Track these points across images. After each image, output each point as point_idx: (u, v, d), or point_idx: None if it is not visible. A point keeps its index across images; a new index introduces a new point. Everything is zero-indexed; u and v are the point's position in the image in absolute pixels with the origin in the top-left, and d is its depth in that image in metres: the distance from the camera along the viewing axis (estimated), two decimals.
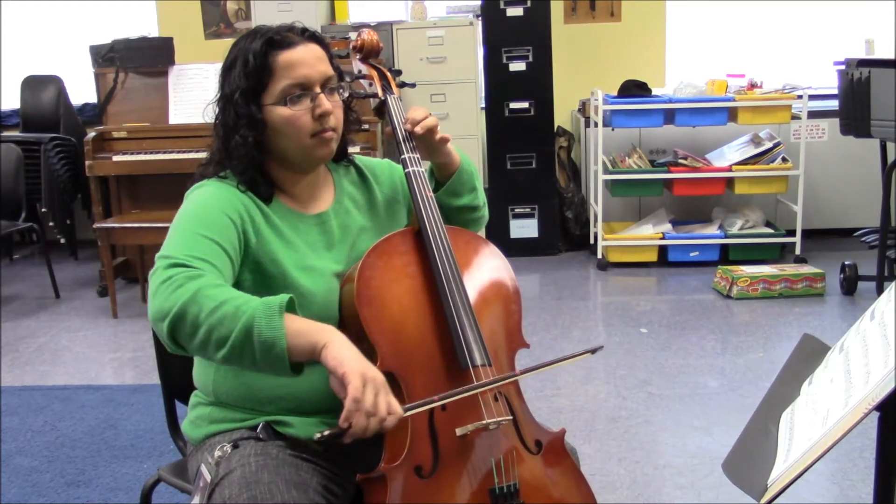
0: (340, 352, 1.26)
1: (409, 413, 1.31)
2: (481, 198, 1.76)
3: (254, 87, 1.50)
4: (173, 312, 1.29)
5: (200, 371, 1.62)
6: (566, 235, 5.55)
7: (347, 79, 1.61)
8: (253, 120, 1.50)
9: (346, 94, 1.59)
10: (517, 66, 5.26)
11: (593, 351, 1.50)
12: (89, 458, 2.95)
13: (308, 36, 1.54)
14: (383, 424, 1.26)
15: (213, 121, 1.58)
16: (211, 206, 1.49)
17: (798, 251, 4.96)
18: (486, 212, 1.79)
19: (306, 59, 1.51)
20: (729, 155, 5.03)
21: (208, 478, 1.46)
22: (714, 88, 4.98)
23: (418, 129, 1.62)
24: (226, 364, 1.32)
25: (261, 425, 1.52)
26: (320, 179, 1.64)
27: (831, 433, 1.07)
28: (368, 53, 1.77)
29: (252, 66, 1.49)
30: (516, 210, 5.37)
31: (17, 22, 6.12)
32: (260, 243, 1.51)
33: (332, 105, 1.53)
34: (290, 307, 1.30)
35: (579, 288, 4.79)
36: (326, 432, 1.24)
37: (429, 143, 1.65)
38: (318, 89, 1.52)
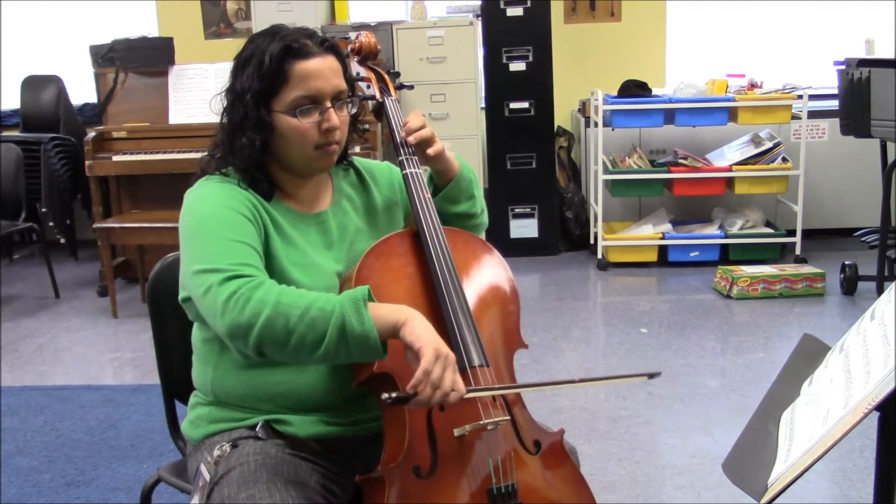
0: (419, 328, 1.32)
1: (469, 395, 1.36)
2: (479, 205, 1.75)
3: (266, 91, 1.50)
4: (258, 327, 1.32)
5: (199, 371, 1.62)
6: (566, 235, 5.55)
7: (359, 94, 1.61)
8: (261, 123, 1.50)
9: (355, 110, 1.59)
10: (517, 66, 5.26)
11: (650, 375, 1.48)
12: (89, 458, 2.95)
13: (326, 47, 1.53)
14: (446, 399, 1.32)
15: (219, 112, 1.57)
16: (226, 207, 1.48)
17: (798, 251, 4.95)
18: (484, 219, 1.78)
19: (321, 72, 1.50)
20: (729, 155, 5.03)
21: (207, 477, 1.46)
22: (714, 88, 4.98)
23: (411, 139, 1.62)
24: (320, 363, 1.40)
25: (259, 424, 1.52)
26: (320, 181, 1.64)
27: (831, 433, 1.07)
28: (366, 56, 1.77)
29: (266, 70, 1.49)
30: (516, 210, 5.37)
31: (17, 22, 6.12)
32: (265, 239, 1.51)
33: (339, 120, 1.53)
34: (370, 297, 1.35)
35: (579, 288, 4.79)
36: (394, 394, 1.31)
37: (423, 150, 1.64)
38: (328, 103, 1.51)
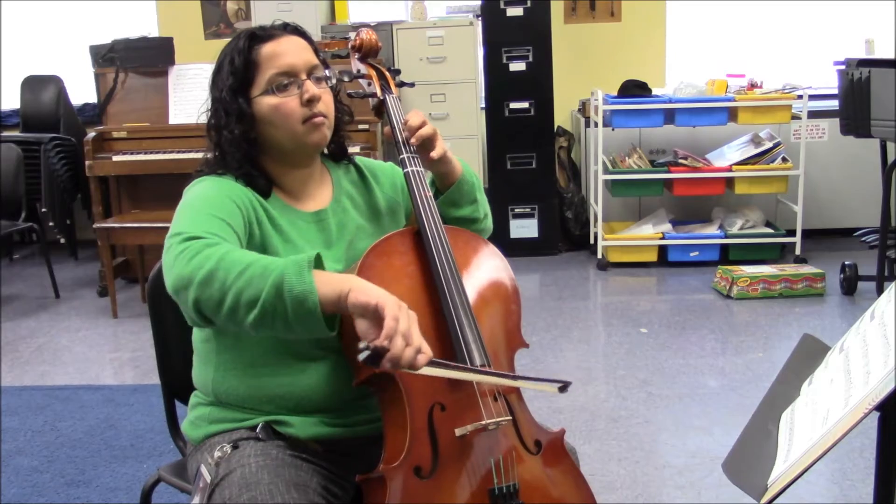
0: (369, 288, 1.26)
1: (432, 366, 1.29)
2: (482, 210, 1.75)
3: (241, 83, 1.52)
4: (198, 279, 1.28)
5: (200, 371, 1.62)
6: (566, 235, 5.55)
7: (334, 71, 1.61)
8: (242, 114, 1.52)
9: (334, 81, 1.59)
10: (517, 66, 5.26)
11: (562, 388, 1.44)
12: (89, 458, 2.95)
13: (290, 29, 1.57)
14: (414, 361, 1.24)
15: (206, 126, 1.59)
16: (217, 192, 1.49)
17: (798, 251, 4.95)
18: (488, 224, 1.77)
19: (290, 49, 1.53)
20: (729, 155, 5.03)
21: (208, 478, 1.46)
22: (714, 88, 4.98)
23: (414, 140, 1.60)
24: (257, 329, 1.28)
25: (260, 425, 1.51)
26: (316, 176, 1.64)
27: (831, 433, 1.07)
28: (367, 53, 1.76)
29: (238, 63, 1.52)
30: (516, 210, 5.37)
31: (17, 22, 6.12)
32: (261, 237, 1.51)
33: (320, 91, 1.54)
34: (318, 264, 1.30)
35: (579, 288, 4.79)
36: (370, 349, 1.22)
37: (426, 149, 1.63)
38: (303, 76, 1.53)
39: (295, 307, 1.25)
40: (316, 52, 1.58)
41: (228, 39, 1.59)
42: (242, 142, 1.52)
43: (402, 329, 1.23)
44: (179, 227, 1.39)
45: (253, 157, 1.55)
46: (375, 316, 1.23)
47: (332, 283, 1.27)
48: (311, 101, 1.52)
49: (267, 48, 1.52)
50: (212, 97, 1.57)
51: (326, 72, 1.57)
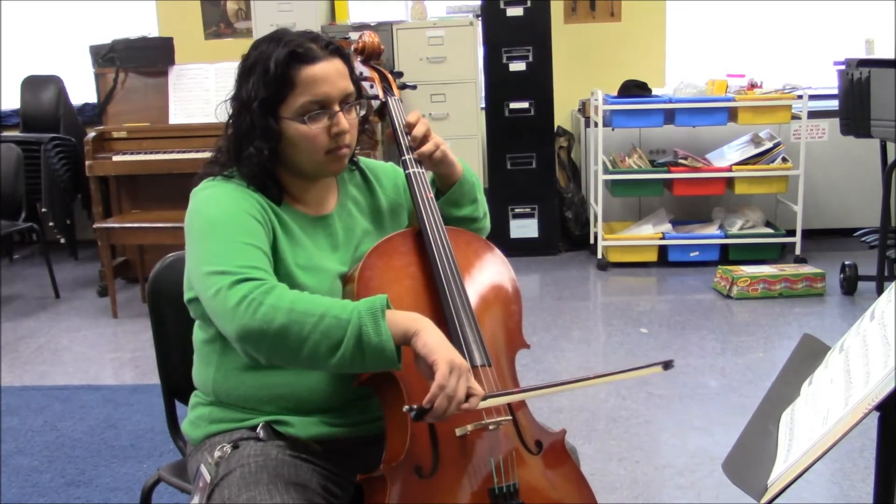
0: (431, 339, 1.32)
1: (487, 400, 1.35)
2: (482, 209, 1.75)
3: (272, 98, 1.48)
4: (271, 334, 1.31)
5: (200, 371, 1.62)
6: (566, 235, 5.55)
7: (366, 92, 1.61)
8: (268, 131, 1.49)
9: (364, 112, 1.58)
10: (517, 66, 5.26)
11: (665, 366, 1.42)
12: (89, 458, 2.95)
13: (331, 50, 1.52)
14: (462, 407, 1.31)
15: (225, 120, 1.56)
16: (236, 209, 1.47)
17: (798, 251, 4.96)
18: (486, 223, 1.78)
19: (328, 77, 1.49)
20: (729, 155, 5.03)
21: (208, 478, 1.46)
22: (714, 88, 4.98)
23: (410, 141, 1.62)
24: (332, 371, 1.39)
25: (260, 425, 1.52)
26: (327, 183, 1.64)
27: (831, 433, 1.07)
28: (370, 55, 1.77)
29: (272, 76, 1.47)
30: (516, 210, 5.37)
31: (17, 22, 6.12)
32: (272, 242, 1.51)
33: (348, 123, 1.52)
34: (388, 305, 1.35)
35: (579, 288, 4.79)
36: (416, 407, 1.30)
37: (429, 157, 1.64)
38: (336, 107, 1.50)
39: (374, 356, 1.32)
40: (352, 73, 1.55)
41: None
42: (265, 159, 1.50)
43: (449, 391, 1.29)
44: (216, 262, 1.38)
45: (268, 170, 1.53)
46: (429, 369, 1.31)
47: (401, 324, 1.34)
48: (338, 135, 1.51)
49: (306, 72, 1.47)
50: (238, 97, 1.52)
51: (359, 101, 1.55)
